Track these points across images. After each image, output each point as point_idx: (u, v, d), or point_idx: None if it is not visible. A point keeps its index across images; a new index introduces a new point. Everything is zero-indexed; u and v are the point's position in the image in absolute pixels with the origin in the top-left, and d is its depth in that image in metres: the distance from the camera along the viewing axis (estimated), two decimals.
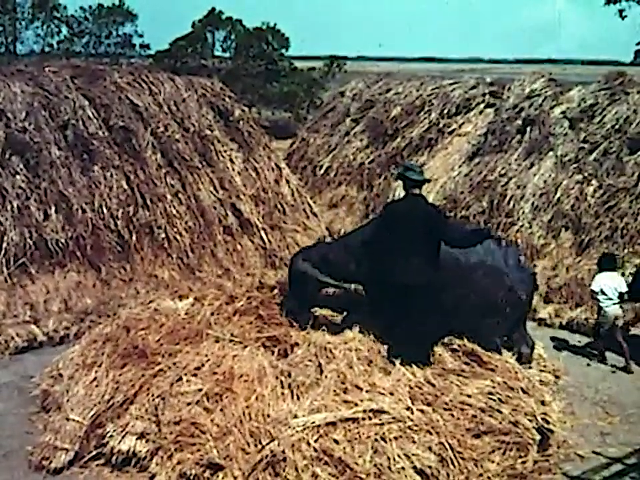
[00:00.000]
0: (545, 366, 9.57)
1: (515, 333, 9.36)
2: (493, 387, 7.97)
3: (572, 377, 9.58)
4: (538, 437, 7.64)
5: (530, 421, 7.67)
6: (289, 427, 7.15)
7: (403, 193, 9.06)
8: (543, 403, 8.03)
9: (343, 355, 8.40)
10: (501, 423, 7.55)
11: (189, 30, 41.36)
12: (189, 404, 7.69)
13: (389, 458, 6.94)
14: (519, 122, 15.60)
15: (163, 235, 13.13)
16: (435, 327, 8.67)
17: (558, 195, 13.81)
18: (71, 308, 11.41)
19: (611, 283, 10.42)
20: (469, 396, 7.81)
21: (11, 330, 10.69)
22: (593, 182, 13.60)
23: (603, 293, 10.40)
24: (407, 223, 8.54)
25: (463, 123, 17.55)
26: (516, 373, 8.34)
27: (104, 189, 12.90)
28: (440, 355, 8.67)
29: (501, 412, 7.67)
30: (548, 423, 7.79)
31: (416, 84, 19.21)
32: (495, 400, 7.80)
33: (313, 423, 7.19)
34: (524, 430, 7.56)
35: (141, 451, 7.45)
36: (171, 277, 12.76)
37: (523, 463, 7.39)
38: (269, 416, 7.44)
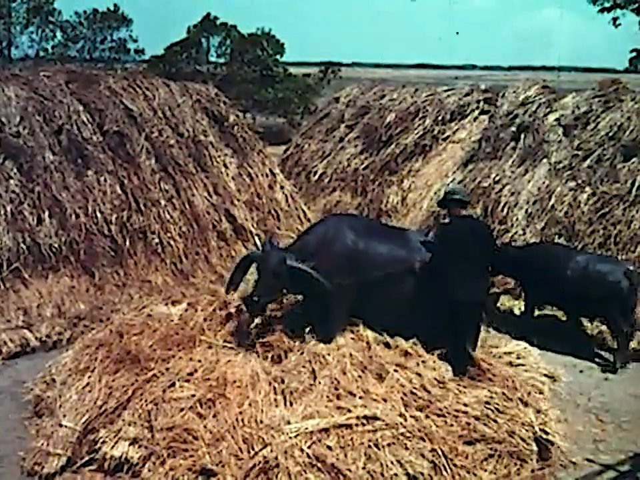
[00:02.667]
0: (541, 372, 9.55)
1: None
2: (491, 397, 7.97)
3: (565, 384, 9.56)
4: (535, 448, 7.64)
5: (527, 431, 7.67)
6: (282, 433, 7.15)
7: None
8: (540, 412, 8.02)
9: (336, 361, 8.40)
10: (495, 431, 7.55)
11: (184, 35, 41.41)
12: (181, 410, 7.69)
13: (381, 464, 6.95)
14: (513, 129, 15.63)
15: (157, 240, 13.11)
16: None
17: (552, 201, 13.81)
18: (64, 313, 11.38)
19: None
20: (465, 404, 7.81)
21: (3, 335, 10.65)
22: (587, 189, 13.61)
23: None
24: (470, 243, 8.87)
25: (457, 130, 17.60)
26: (513, 382, 8.33)
27: (98, 193, 12.89)
28: (435, 362, 8.68)
29: (496, 421, 7.67)
30: (547, 433, 7.78)
31: (410, 90, 19.26)
32: (491, 409, 7.80)
33: (306, 429, 7.20)
34: (519, 440, 7.55)
35: (133, 457, 7.43)
36: (165, 282, 12.75)
37: (518, 473, 7.39)
38: (261, 422, 7.43)
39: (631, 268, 10.98)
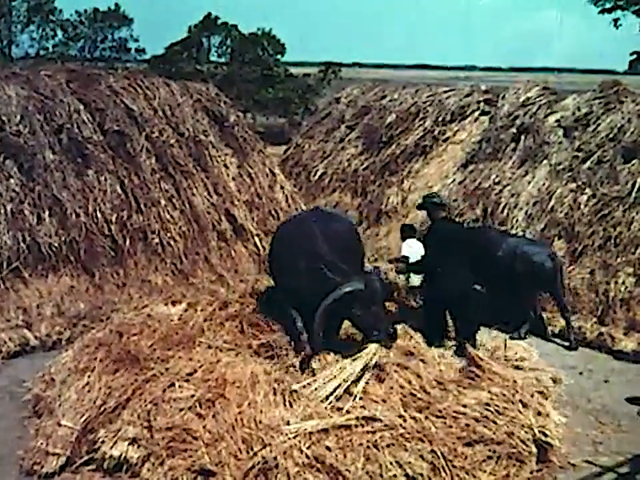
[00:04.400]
0: (542, 374, 9.54)
1: None
2: (491, 398, 7.96)
3: (564, 386, 9.57)
4: (535, 450, 7.64)
5: (526, 433, 7.66)
6: (281, 434, 7.16)
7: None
8: (541, 414, 8.02)
9: (335, 361, 8.40)
10: (494, 433, 7.54)
11: (185, 35, 41.50)
12: (181, 410, 7.69)
13: (380, 465, 6.95)
14: (514, 130, 15.62)
15: (157, 240, 13.11)
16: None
17: (552, 203, 13.81)
18: (63, 312, 11.39)
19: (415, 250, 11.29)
20: (465, 406, 7.80)
21: (3, 334, 10.67)
22: (587, 190, 13.60)
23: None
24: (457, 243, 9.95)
25: (457, 131, 17.58)
26: (514, 383, 8.33)
27: (98, 193, 12.89)
28: (438, 364, 8.68)
29: (496, 423, 7.66)
30: (546, 435, 7.78)
31: (411, 91, 19.23)
32: (491, 411, 7.79)
33: (305, 429, 7.20)
34: (519, 442, 7.55)
35: (132, 457, 7.42)
36: (165, 282, 12.74)
37: (517, 474, 7.39)
38: (261, 422, 7.43)
39: (555, 251, 12.38)
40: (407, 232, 12.37)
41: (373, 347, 8.33)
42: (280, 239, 9.97)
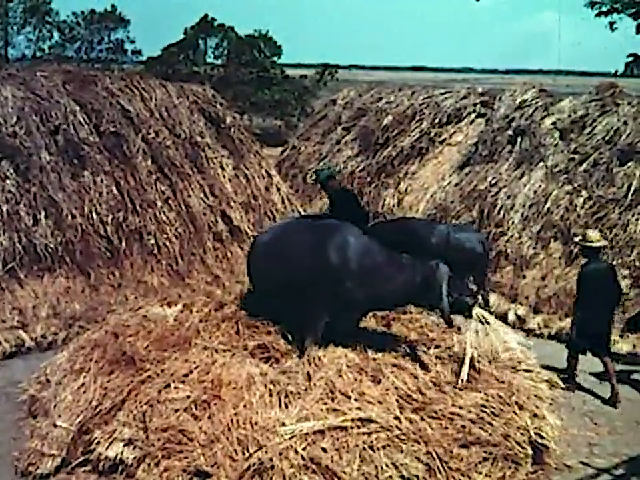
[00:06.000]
0: (539, 377, 9.54)
1: None
2: (487, 400, 7.95)
3: (560, 388, 9.58)
4: (530, 452, 7.64)
5: (522, 434, 7.67)
6: (277, 435, 7.14)
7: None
8: (536, 416, 8.02)
9: (332, 362, 8.39)
10: (490, 435, 7.54)
11: (181, 37, 41.47)
12: (176, 411, 7.67)
13: (376, 467, 6.94)
14: (510, 132, 15.65)
15: (153, 241, 13.10)
16: None
17: (548, 205, 13.84)
18: (59, 313, 11.38)
19: None
20: (461, 407, 7.79)
21: None
22: (583, 193, 13.64)
23: None
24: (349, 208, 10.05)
25: (453, 133, 17.62)
26: (510, 385, 8.32)
27: (94, 194, 12.88)
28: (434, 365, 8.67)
29: (491, 424, 7.66)
30: (542, 437, 7.78)
31: (407, 93, 19.26)
32: (486, 412, 7.79)
33: (301, 431, 7.18)
34: (514, 444, 7.55)
35: (128, 458, 7.41)
36: (160, 283, 12.74)
37: (513, 476, 7.39)
38: (256, 424, 7.41)
39: (485, 236, 13.21)
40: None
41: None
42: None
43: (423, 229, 12.21)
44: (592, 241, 10.02)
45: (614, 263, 12.18)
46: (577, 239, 10.64)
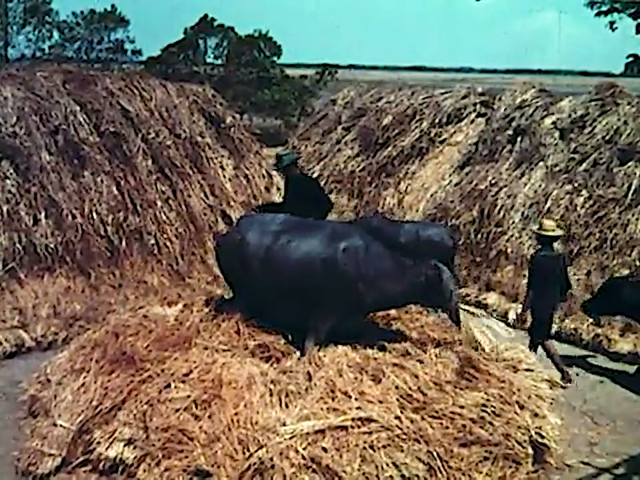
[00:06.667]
0: (539, 376, 9.53)
1: None
2: (487, 400, 7.93)
3: (561, 388, 9.57)
4: (531, 451, 7.64)
5: (523, 434, 7.66)
6: (277, 435, 7.14)
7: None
8: (537, 416, 8.01)
9: (332, 362, 8.39)
10: (491, 434, 7.52)
11: (181, 36, 41.40)
12: (177, 410, 7.67)
13: (376, 466, 6.93)
14: (510, 132, 15.65)
15: (153, 241, 13.11)
16: None
17: (548, 205, 13.84)
18: (59, 313, 11.37)
19: None
20: (461, 407, 7.78)
21: None
22: (583, 192, 13.63)
23: None
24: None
25: (454, 133, 17.62)
26: (511, 385, 8.32)
27: (94, 194, 12.88)
28: (435, 364, 8.66)
29: (492, 424, 7.64)
30: (542, 437, 7.77)
31: (407, 93, 19.28)
32: (487, 412, 7.77)
33: (302, 430, 7.18)
34: (515, 443, 7.55)
35: (128, 458, 7.41)
36: (161, 283, 12.74)
37: (513, 475, 7.38)
38: (257, 423, 7.41)
39: (452, 229, 13.75)
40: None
41: None
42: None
43: (388, 229, 12.21)
44: (546, 230, 10.40)
45: (614, 262, 12.21)
46: (534, 228, 11.19)
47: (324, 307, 8.67)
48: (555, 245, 10.90)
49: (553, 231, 10.43)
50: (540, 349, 10.34)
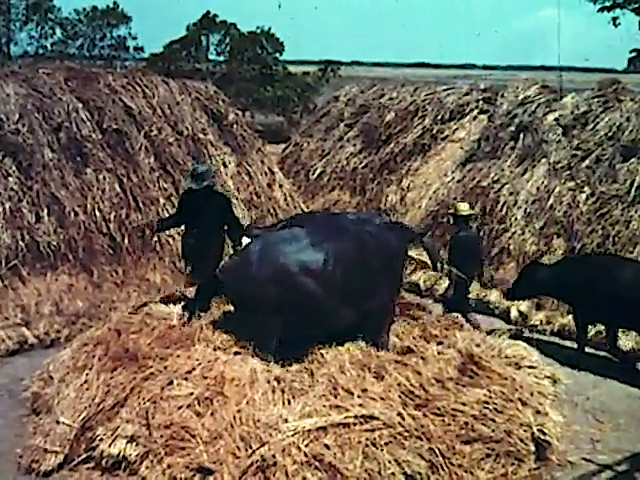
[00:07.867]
0: (541, 373, 9.53)
1: None
2: (490, 397, 7.95)
3: (563, 385, 9.57)
4: (533, 448, 7.64)
5: (525, 431, 7.66)
6: (280, 432, 7.15)
7: None
8: (539, 413, 8.01)
9: (334, 359, 8.40)
10: (493, 431, 7.54)
11: (184, 33, 41.40)
12: (179, 408, 7.68)
13: (379, 463, 6.94)
14: (512, 128, 15.61)
15: (155, 239, 13.09)
16: None
17: (550, 201, 13.81)
18: (62, 311, 11.37)
19: None
20: (464, 404, 7.79)
21: (1, 332, 10.66)
22: (586, 189, 13.60)
23: None
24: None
25: (456, 129, 17.59)
26: (513, 382, 8.32)
27: (96, 191, 12.88)
28: (437, 361, 8.67)
29: (494, 421, 7.66)
30: (545, 434, 7.78)
31: (410, 89, 19.25)
32: (489, 409, 7.79)
33: (304, 427, 7.19)
34: (517, 440, 7.55)
35: (131, 455, 7.41)
36: (163, 280, 12.74)
37: (515, 472, 7.38)
38: (259, 420, 7.42)
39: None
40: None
41: None
42: None
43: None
44: (462, 211, 11.11)
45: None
46: (449, 211, 11.75)
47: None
48: (470, 224, 11.99)
49: (467, 211, 11.20)
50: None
